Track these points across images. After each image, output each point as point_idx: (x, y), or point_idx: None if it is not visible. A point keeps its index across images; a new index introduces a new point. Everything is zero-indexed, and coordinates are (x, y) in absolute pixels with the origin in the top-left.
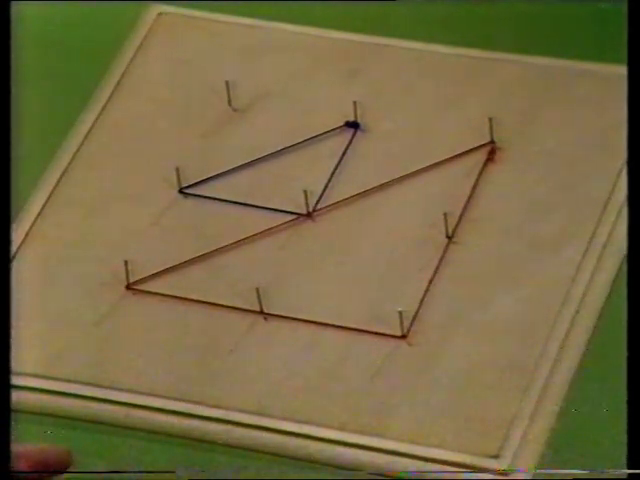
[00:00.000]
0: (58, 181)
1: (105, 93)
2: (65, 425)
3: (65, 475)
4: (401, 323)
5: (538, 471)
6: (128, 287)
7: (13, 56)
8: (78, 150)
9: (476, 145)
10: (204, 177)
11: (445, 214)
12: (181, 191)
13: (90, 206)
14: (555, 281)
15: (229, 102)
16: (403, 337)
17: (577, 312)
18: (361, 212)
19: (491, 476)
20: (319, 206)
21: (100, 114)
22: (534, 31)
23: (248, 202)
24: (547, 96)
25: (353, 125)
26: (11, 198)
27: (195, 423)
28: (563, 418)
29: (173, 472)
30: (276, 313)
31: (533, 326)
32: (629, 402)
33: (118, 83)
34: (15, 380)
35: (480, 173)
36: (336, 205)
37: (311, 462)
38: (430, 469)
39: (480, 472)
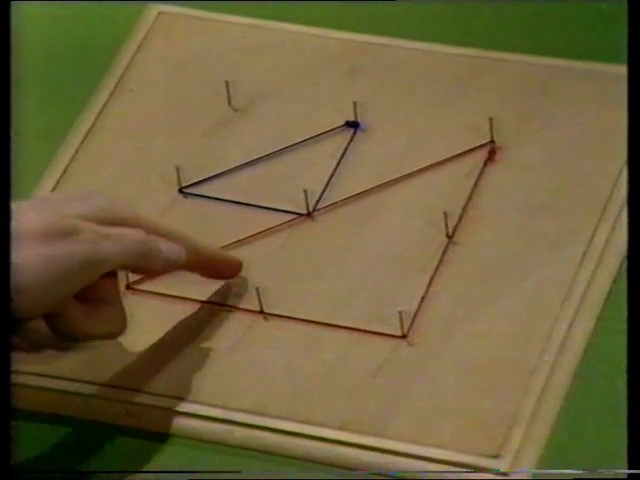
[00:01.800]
0: (58, 181)
1: (105, 93)
2: (65, 424)
3: (64, 475)
4: (401, 323)
5: (538, 471)
6: (128, 287)
7: (13, 56)
8: (78, 150)
9: (476, 145)
10: (204, 177)
11: (445, 214)
12: (181, 191)
13: None
14: (555, 281)
15: (229, 102)
16: (403, 337)
17: (577, 312)
18: (361, 212)
19: (491, 476)
20: (319, 206)
21: (100, 114)
22: (534, 31)
23: (248, 202)
24: (547, 96)
25: (353, 125)
26: (11, 198)
27: (195, 423)
28: (563, 418)
29: (173, 472)
30: (276, 313)
31: (533, 326)
32: (629, 402)
33: (118, 83)
34: (16, 378)
35: (480, 173)
36: (336, 205)
37: (311, 462)
38: (430, 469)
39: (480, 472)
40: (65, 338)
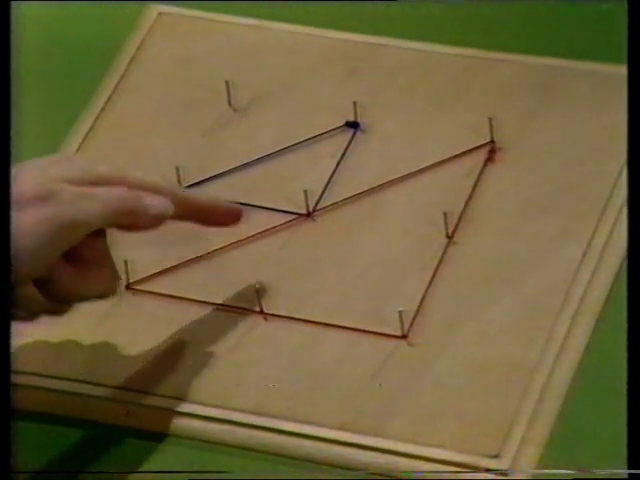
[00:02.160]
0: None
1: (105, 93)
2: (65, 424)
3: (64, 475)
4: (401, 323)
5: (538, 471)
6: (128, 287)
7: (13, 56)
8: (78, 150)
9: (476, 145)
10: (204, 177)
11: (445, 214)
12: None
13: None
14: (555, 281)
15: (229, 102)
16: (403, 337)
17: (577, 312)
18: (361, 212)
19: (491, 476)
20: (319, 206)
21: (100, 114)
22: (534, 31)
23: (248, 202)
24: (547, 96)
25: (353, 125)
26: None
27: (195, 423)
28: (563, 418)
29: (173, 472)
30: (276, 313)
31: (533, 326)
32: (629, 402)
33: (118, 83)
34: (16, 379)
35: (480, 173)
36: (336, 205)
37: (311, 462)
38: (430, 469)
39: (480, 472)
40: (58, 301)
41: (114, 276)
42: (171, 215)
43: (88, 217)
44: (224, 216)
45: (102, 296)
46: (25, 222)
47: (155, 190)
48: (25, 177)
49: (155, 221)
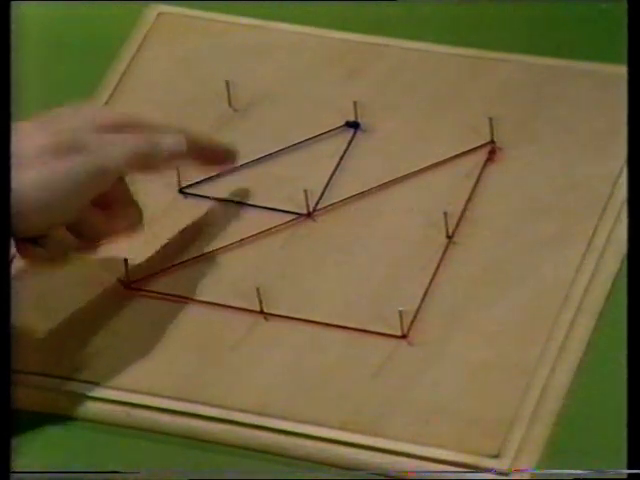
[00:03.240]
0: None
1: (105, 93)
2: (65, 424)
3: (64, 475)
4: (401, 323)
5: (538, 471)
6: (128, 287)
7: (13, 56)
8: None
9: (476, 145)
10: (204, 177)
11: (445, 214)
12: (181, 191)
13: None
14: (555, 281)
15: (229, 102)
16: (403, 337)
17: (577, 312)
18: (361, 212)
19: (491, 476)
20: (319, 206)
21: None
22: (534, 31)
23: (248, 202)
24: (547, 96)
25: (353, 125)
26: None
27: (195, 423)
28: (563, 418)
29: (173, 472)
30: (276, 313)
31: (533, 326)
32: (629, 402)
33: (118, 83)
34: (16, 379)
35: (480, 173)
36: (336, 205)
37: (311, 462)
38: (430, 469)
39: (480, 472)
40: (90, 240)
41: (139, 212)
42: (184, 153)
43: (117, 162)
44: (222, 156)
45: (132, 231)
46: (57, 171)
47: (167, 130)
48: (49, 126)
49: (173, 159)
